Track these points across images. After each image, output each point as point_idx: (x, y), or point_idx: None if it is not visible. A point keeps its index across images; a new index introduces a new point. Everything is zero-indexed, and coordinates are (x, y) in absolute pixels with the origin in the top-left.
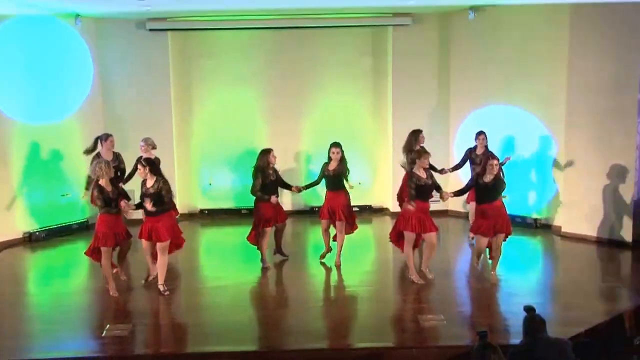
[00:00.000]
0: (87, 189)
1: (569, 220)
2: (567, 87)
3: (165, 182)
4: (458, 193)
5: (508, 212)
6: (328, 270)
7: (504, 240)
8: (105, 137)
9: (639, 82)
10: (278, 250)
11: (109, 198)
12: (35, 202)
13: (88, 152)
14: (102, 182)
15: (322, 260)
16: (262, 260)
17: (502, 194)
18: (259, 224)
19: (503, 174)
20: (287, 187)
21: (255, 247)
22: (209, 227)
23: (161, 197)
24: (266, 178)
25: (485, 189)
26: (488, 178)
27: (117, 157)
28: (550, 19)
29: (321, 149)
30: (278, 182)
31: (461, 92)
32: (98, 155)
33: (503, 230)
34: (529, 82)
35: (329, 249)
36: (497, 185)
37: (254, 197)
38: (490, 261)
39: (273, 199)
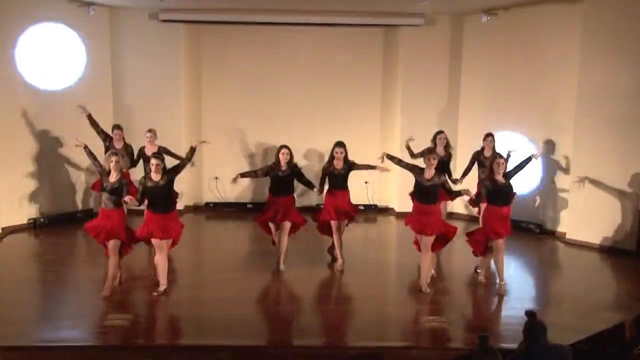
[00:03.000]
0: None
1: (573, 227)
2: (577, 93)
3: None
4: (476, 200)
5: (513, 218)
6: (332, 268)
7: None
8: (113, 128)
9: None
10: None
11: (103, 188)
12: (41, 189)
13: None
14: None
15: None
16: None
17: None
18: (259, 216)
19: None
20: (309, 185)
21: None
22: (214, 220)
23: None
24: (273, 172)
25: (499, 190)
26: (500, 178)
27: (125, 147)
28: (563, 23)
29: (328, 146)
30: (295, 179)
31: (471, 94)
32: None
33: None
34: (540, 86)
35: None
36: (510, 185)
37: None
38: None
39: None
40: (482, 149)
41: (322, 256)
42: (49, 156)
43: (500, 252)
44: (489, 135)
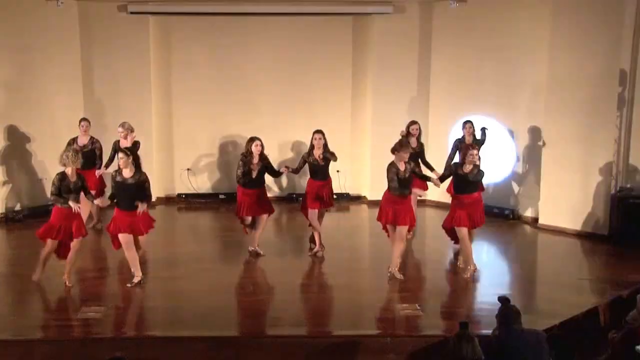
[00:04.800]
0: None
1: (546, 212)
2: (547, 79)
3: (144, 173)
4: (441, 179)
5: (486, 204)
6: (306, 257)
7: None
8: (79, 122)
9: (619, 76)
10: (256, 244)
11: (68, 189)
12: (13, 183)
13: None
14: (67, 170)
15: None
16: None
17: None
18: (237, 212)
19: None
20: (276, 174)
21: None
22: (187, 211)
23: (143, 189)
24: (246, 167)
25: (464, 179)
26: (467, 168)
27: (92, 141)
28: (532, 10)
29: (299, 137)
30: (266, 171)
31: (441, 82)
32: (74, 140)
33: (476, 223)
34: (510, 73)
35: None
36: (477, 175)
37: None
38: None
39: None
40: (463, 136)
41: (297, 246)
42: (18, 150)
43: (464, 239)
44: (468, 122)
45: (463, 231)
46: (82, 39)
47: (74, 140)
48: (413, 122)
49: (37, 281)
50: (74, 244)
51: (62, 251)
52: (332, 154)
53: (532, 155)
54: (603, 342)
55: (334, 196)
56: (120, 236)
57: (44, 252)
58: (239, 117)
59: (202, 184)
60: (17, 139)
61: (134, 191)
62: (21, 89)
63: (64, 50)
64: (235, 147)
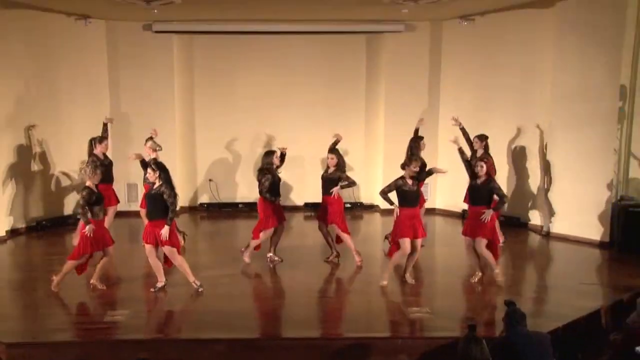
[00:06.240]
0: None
1: (552, 221)
2: (552, 94)
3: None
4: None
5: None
6: (321, 264)
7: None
8: (100, 140)
9: (619, 89)
10: (274, 251)
11: (97, 200)
12: (36, 195)
13: (89, 154)
14: (89, 184)
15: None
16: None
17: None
18: (264, 223)
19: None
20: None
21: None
22: (208, 220)
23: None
24: (273, 178)
25: (476, 190)
26: (480, 179)
27: (106, 158)
28: (537, 26)
29: (314, 151)
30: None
31: (451, 98)
32: (91, 155)
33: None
34: (515, 88)
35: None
36: (488, 187)
37: (261, 197)
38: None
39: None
40: (476, 151)
41: (312, 252)
42: (44, 164)
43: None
44: (475, 137)
45: (466, 241)
46: (109, 57)
47: (94, 154)
48: (422, 137)
49: (57, 290)
50: (109, 250)
51: (80, 267)
52: (336, 176)
53: (539, 165)
54: (605, 343)
55: (347, 205)
56: (147, 246)
57: (69, 267)
58: (258, 131)
59: (223, 193)
60: (46, 152)
61: (155, 201)
62: (49, 104)
63: (92, 69)
64: (255, 159)
